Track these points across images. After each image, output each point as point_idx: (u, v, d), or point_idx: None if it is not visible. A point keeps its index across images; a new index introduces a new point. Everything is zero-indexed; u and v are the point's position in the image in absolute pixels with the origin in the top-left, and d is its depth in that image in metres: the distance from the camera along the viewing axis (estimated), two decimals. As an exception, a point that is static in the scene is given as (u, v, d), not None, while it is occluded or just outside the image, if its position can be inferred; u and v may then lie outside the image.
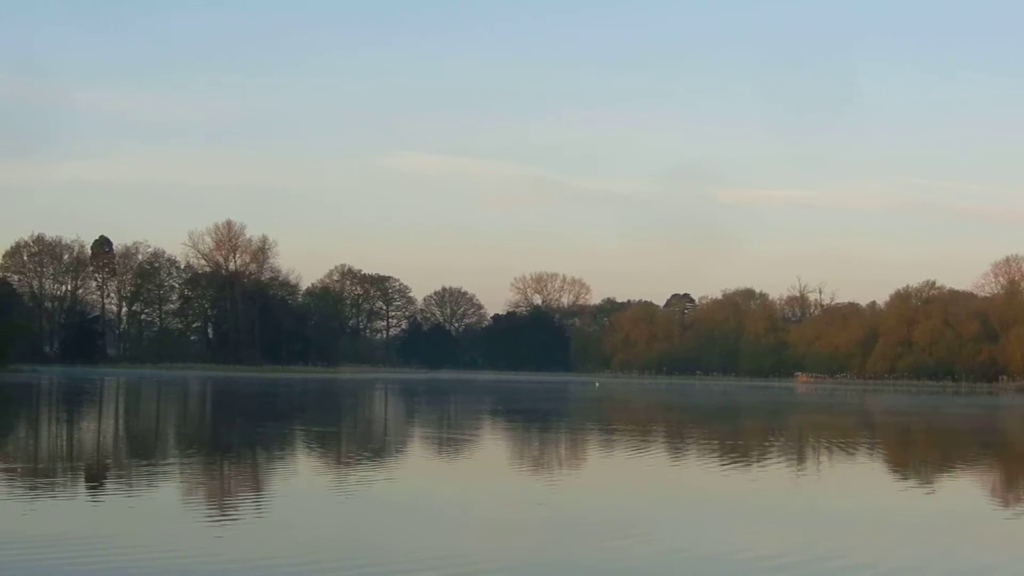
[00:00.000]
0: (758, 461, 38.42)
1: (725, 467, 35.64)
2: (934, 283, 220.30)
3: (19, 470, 30.51)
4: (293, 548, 18.65)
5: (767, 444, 47.91)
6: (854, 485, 32.38)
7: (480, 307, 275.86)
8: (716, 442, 47.62)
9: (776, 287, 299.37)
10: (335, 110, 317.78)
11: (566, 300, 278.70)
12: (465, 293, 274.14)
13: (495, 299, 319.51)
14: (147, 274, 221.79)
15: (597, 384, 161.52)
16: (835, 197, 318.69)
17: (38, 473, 29.63)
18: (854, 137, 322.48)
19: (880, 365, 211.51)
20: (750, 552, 19.56)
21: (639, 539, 20.73)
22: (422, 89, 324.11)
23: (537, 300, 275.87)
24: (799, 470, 36.30)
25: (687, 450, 43.30)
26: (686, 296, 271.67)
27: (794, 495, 29.41)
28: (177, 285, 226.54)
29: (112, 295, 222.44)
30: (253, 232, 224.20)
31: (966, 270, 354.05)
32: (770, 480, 32.53)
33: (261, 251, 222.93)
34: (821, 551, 19.76)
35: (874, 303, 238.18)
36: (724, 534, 21.53)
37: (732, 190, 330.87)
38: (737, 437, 52.82)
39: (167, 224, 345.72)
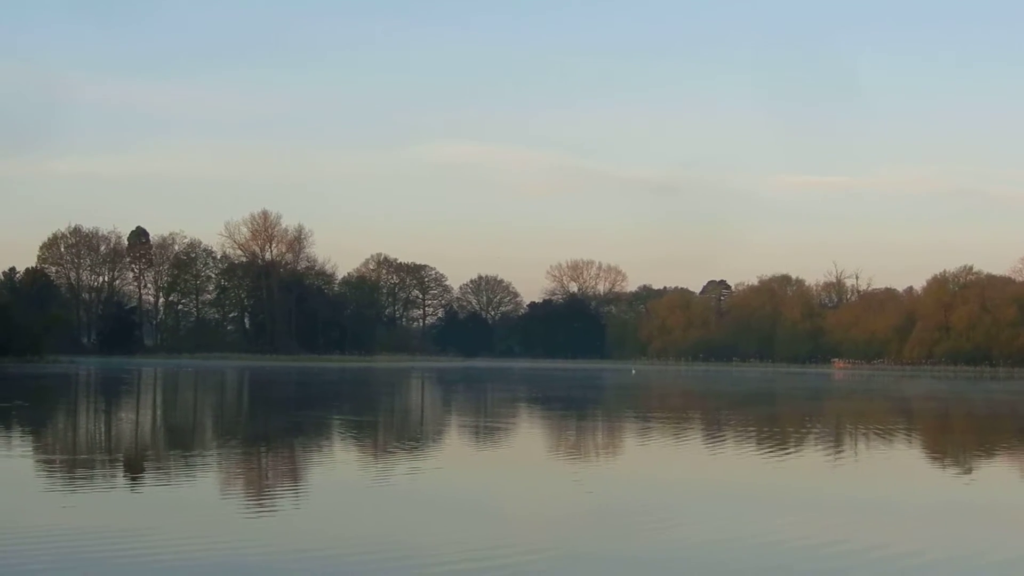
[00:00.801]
0: (796, 449, 38.31)
1: (764, 455, 35.54)
2: (971, 268, 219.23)
3: (58, 461, 30.64)
4: (333, 540, 18.68)
5: (805, 431, 47.73)
6: (893, 472, 32.24)
7: (516, 295, 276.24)
8: (754, 429, 47.53)
9: (812, 273, 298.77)
10: (371, 100, 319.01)
11: (602, 287, 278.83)
12: (501, 281, 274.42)
13: (531, 287, 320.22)
14: (184, 264, 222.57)
15: (633, 371, 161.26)
16: (872, 184, 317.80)
17: (78, 464, 29.73)
18: (891, 125, 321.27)
19: (917, 351, 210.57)
20: (790, 539, 19.52)
21: (680, 527, 20.71)
22: (459, 79, 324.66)
23: (573, 288, 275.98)
24: (837, 458, 36.17)
25: (725, 438, 43.22)
26: (722, 283, 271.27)
27: (833, 483, 29.30)
28: (213, 275, 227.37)
29: (149, 286, 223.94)
30: (289, 222, 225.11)
31: (1004, 255, 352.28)
32: (809, 468, 32.43)
33: (297, 240, 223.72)
34: (860, 538, 19.68)
35: (911, 288, 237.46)
36: (764, 522, 21.47)
37: (766, 177, 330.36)
38: (775, 424, 52.67)
39: (203, 215, 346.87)
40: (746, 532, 20.32)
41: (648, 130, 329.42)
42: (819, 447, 39.36)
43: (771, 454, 35.71)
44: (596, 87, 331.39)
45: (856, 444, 41.90)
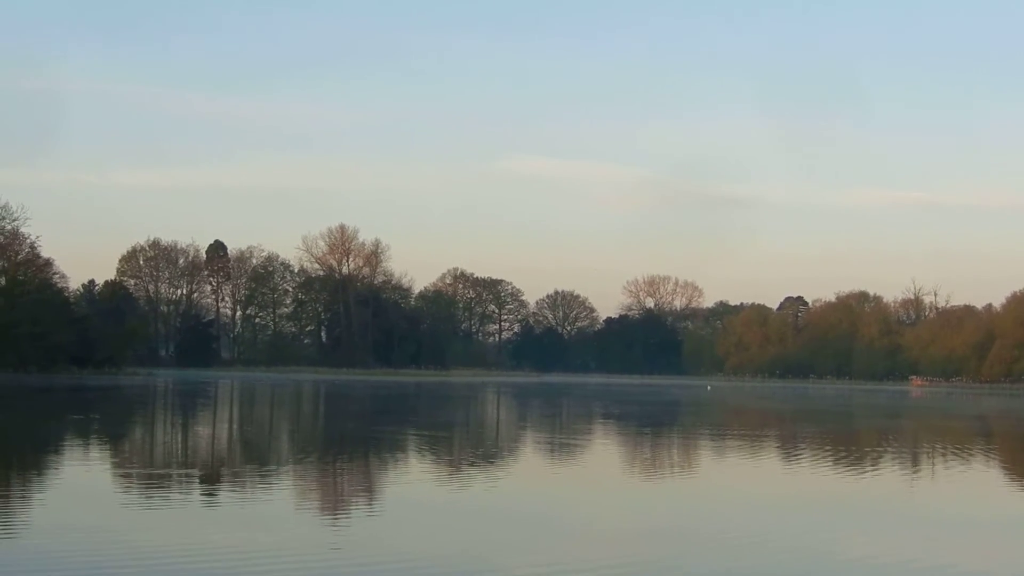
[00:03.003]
0: (873, 466, 38.07)
1: (840, 472, 35.36)
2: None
3: (140, 476, 30.87)
4: (411, 558, 18.74)
5: (882, 449, 47.44)
6: (971, 490, 32.02)
7: (592, 310, 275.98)
8: (830, 447, 47.28)
9: (890, 288, 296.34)
10: (449, 115, 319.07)
11: (679, 303, 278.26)
12: (577, 296, 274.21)
13: (607, 302, 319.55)
14: (261, 278, 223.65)
15: (709, 387, 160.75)
16: (950, 198, 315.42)
17: (159, 479, 29.96)
18: (968, 138, 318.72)
19: (996, 369, 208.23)
20: (875, 557, 19.42)
21: (754, 544, 20.66)
22: (534, 94, 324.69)
23: (649, 303, 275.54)
24: (914, 475, 35.95)
25: (801, 455, 42.99)
26: (799, 299, 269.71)
27: (910, 500, 29.14)
28: (291, 289, 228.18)
29: (226, 299, 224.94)
30: (366, 236, 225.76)
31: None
32: (885, 485, 32.25)
33: (374, 255, 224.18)
34: (939, 557, 19.59)
35: (990, 305, 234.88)
36: (849, 539, 21.38)
37: (843, 190, 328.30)
38: (851, 443, 52.38)
39: (281, 229, 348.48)
40: (830, 548, 20.29)
41: (724, 147, 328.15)
42: (896, 465, 39.09)
43: (851, 471, 35.52)
44: (675, 103, 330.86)
45: (935, 462, 41.58)
